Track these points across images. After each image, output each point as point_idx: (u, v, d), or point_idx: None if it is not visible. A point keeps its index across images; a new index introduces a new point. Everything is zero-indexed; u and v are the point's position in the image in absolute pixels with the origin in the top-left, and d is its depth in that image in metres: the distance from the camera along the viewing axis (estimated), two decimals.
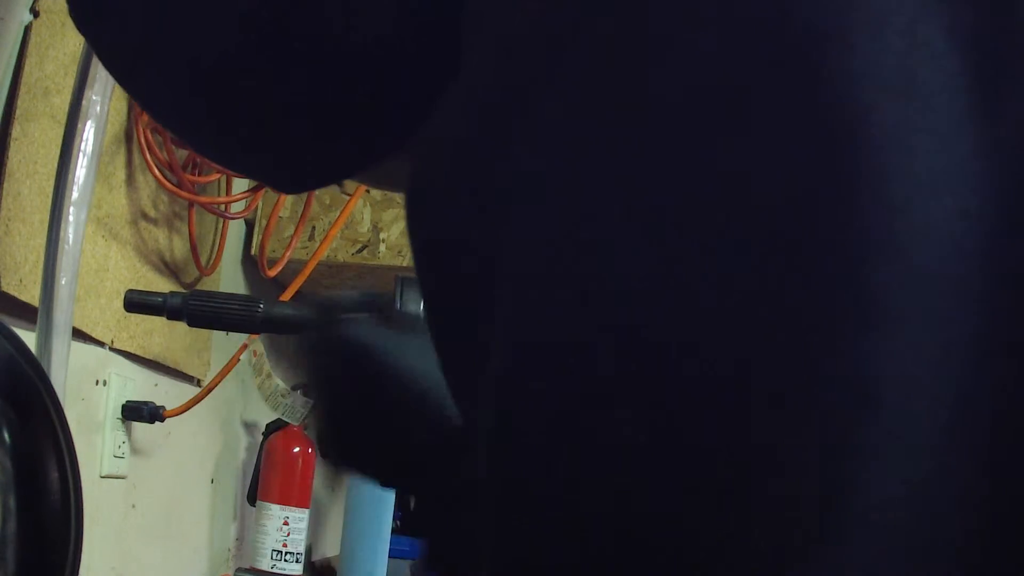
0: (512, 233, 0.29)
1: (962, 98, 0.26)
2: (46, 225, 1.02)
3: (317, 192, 1.55)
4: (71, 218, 1.02)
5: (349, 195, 1.54)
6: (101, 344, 1.26)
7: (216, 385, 1.44)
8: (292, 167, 0.47)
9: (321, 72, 0.41)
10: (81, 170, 1.01)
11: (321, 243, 1.52)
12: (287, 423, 1.70)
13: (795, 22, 0.26)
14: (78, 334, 1.13)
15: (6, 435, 0.75)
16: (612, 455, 0.26)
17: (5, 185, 1.01)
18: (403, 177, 0.49)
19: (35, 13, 1.05)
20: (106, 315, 1.25)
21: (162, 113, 0.49)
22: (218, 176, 1.42)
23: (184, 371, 1.51)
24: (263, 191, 1.49)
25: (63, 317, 1.01)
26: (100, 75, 1.00)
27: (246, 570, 1.71)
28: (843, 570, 0.24)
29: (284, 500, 1.69)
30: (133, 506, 1.40)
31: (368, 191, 1.59)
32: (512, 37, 0.33)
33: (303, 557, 1.72)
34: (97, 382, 1.28)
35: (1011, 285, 0.25)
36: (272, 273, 1.56)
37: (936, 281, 0.24)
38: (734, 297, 0.25)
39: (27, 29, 1.04)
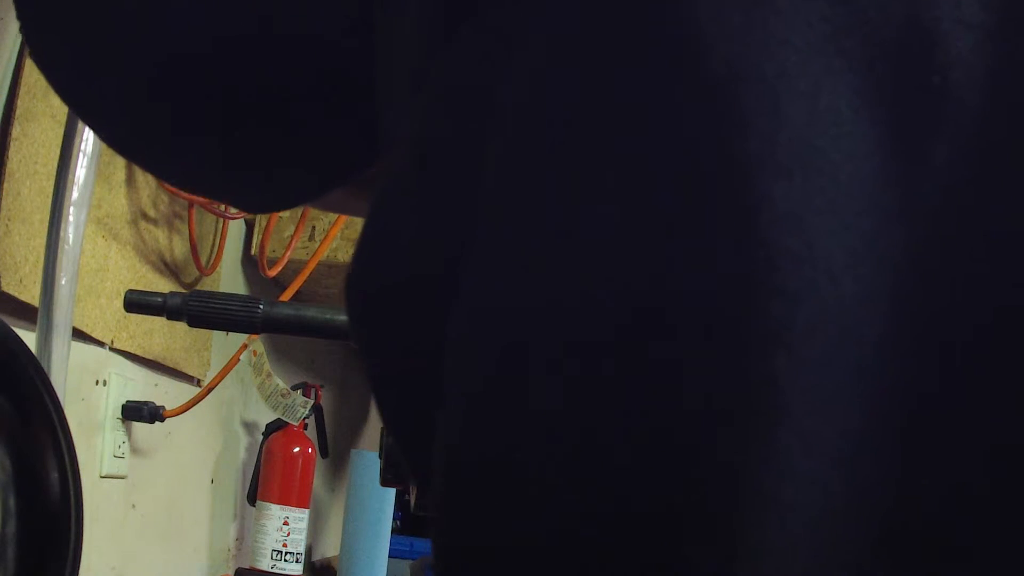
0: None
1: (871, 164, 0.24)
2: (46, 225, 1.02)
3: None
4: (71, 218, 1.02)
5: None
6: (101, 344, 1.26)
7: (216, 385, 1.44)
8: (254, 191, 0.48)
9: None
10: (81, 170, 1.01)
11: (321, 243, 1.52)
12: (287, 423, 1.70)
13: (700, 108, 0.25)
14: (78, 334, 1.13)
15: (6, 435, 0.75)
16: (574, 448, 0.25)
17: (5, 185, 1.01)
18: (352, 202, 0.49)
19: None
20: (106, 315, 1.25)
21: (111, 125, 0.48)
22: None
23: (184, 371, 1.51)
24: None
25: (63, 317, 1.01)
26: None
27: (246, 570, 1.71)
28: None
29: (284, 500, 1.69)
30: (133, 506, 1.40)
31: None
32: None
33: (303, 557, 1.72)
34: (97, 382, 1.28)
35: (916, 372, 0.24)
36: (272, 273, 1.56)
37: (831, 371, 0.23)
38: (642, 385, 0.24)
39: None
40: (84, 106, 0.47)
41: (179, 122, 0.44)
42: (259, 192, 0.49)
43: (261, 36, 0.41)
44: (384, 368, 0.32)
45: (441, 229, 0.30)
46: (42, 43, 0.45)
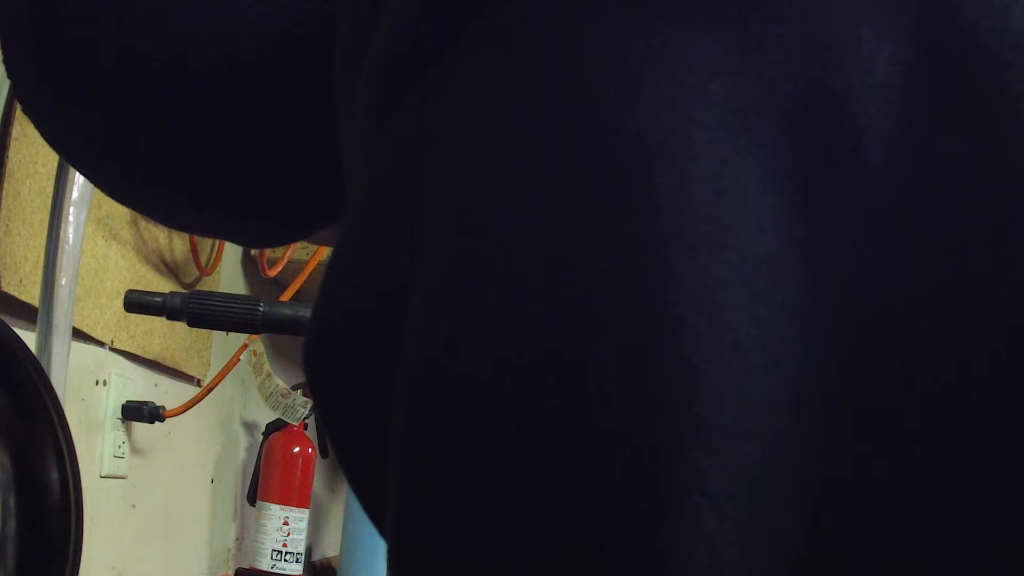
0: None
1: (779, 236, 0.25)
2: (46, 225, 1.02)
3: None
4: (71, 218, 1.02)
5: None
6: (101, 344, 1.26)
7: (216, 385, 1.44)
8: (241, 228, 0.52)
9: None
10: None
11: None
12: (287, 423, 1.70)
13: (611, 191, 0.26)
14: (78, 334, 1.13)
15: (6, 435, 0.75)
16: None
17: (5, 185, 1.01)
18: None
19: None
20: (106, 315, 1.25)
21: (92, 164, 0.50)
22: None
23: (184, 371, 1.51)
24: None
25: (63, 317, 1.01)
26: None
27: (246, 570, 1.71)
28: None
29: (284, 500, 1.69)
30: (133, 506, 1.40)
31: None
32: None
33: (303, 557, 1.72)
34: (97, 382, 1.28)
35: (829, 437, 0.24)
36: (272, 273, 1.56)
37: (741, 439, 0.24)
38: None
39: None
40: (75, 158, 0.50)
41: (164, 178, 0.46)
42: (242, 236, 0.53)
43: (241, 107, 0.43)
44: (348, 456, 0.34)
45: (381, 313, 0.31)
46: (36, 105, 0.47)
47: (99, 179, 0.49)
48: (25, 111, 0.48)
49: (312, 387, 0.33)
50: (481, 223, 0.28)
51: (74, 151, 0.49)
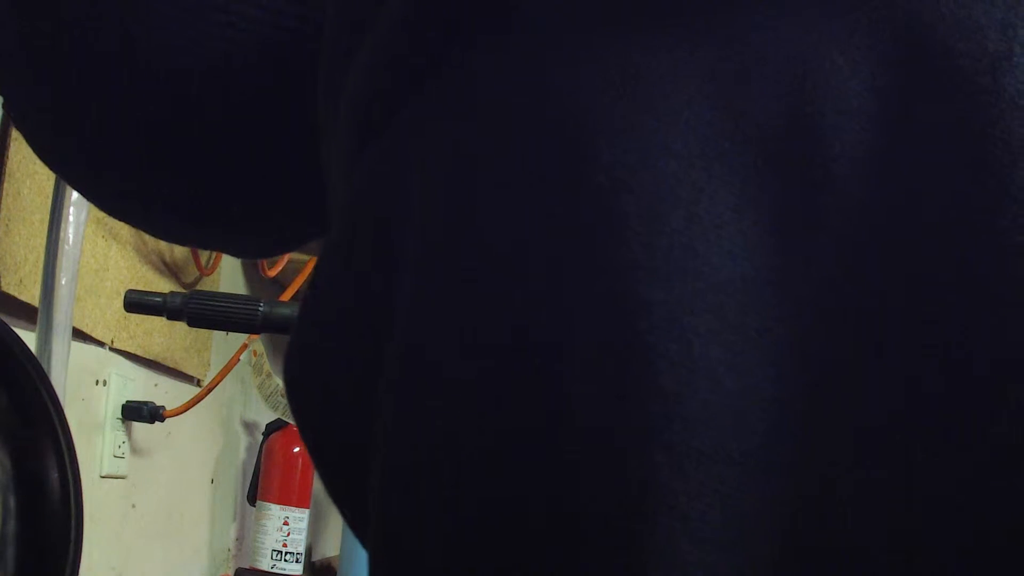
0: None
1: (753, 264, 0.25)
2: (46, 225, 1.02)
3: None
4: (71, 218, 1.02)
5: None
6: (101, 344, 1.26)
7: (216, 385, 1.44)
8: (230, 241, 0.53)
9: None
10: None
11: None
12: (287, 423, 1.70)
13: (585, 208, 0.26)
14: (78, 334, 1.13)
15: (6, 435, 0.75)
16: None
17: (5, 185, 1.01)
18: None
19: None
20: (106, 315, 1.25)
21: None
22: None
23: (184, 371, 1.51)
24: None
25: (63, 317, 1.01)
26: None
27: (246, 570, 1.71)
28: None
29: (284, 500, 1.69)
30: (133, 506, 1.40)
31: None
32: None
33: (303, 557, 1.72)
34: (97, 382, 1.28)
35: (804, 464, 0.24)
36: (272, 273, 1.56)
37: (716, 463, 0.24)
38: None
39: None
40: (72, 179, 0.50)
41: (155, 197, 0.47)
42: (234, 248, 0.54)
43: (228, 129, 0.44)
44: (326, 463, 0.34)
45: (363, 337, 0.31)
46: (26, 121, 0.47)
47: (90, 192, 0.50)
48: (18, 127, 0.48)
49: (293, 402, 0.33)
50: (457, 251, 0.28)
51: (67, 166, 0.49)
